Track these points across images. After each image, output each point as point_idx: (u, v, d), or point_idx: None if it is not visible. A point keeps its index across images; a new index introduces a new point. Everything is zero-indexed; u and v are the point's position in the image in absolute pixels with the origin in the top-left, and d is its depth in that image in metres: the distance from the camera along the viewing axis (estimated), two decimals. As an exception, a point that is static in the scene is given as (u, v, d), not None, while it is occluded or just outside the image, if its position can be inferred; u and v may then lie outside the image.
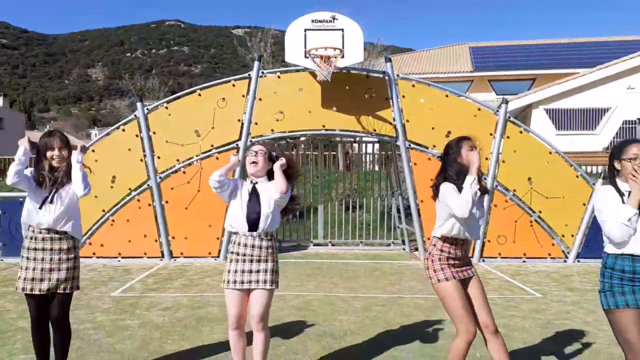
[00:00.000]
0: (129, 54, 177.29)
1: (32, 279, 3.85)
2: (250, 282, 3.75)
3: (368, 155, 13.96)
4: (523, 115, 23.81)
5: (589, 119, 22.56)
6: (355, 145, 14.69)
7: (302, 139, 11.74)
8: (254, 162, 3.88)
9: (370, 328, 5.62)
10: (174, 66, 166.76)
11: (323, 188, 12.01)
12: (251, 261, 3.76)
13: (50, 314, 3.94)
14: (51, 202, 3.88)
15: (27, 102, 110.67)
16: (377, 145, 12.85)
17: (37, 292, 3.84)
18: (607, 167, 3.25)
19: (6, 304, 6.62)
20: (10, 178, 3.78)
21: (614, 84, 22.29)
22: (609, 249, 3.15)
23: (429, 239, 9.46)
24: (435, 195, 3.67)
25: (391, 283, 7.96)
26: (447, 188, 3.56)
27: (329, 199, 12.84)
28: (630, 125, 22.25)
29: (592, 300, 6.82)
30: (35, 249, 3.89)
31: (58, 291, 3.88)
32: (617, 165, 3.15)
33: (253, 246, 3.75)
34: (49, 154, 3.92)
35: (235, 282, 3.76)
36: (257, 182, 3.90)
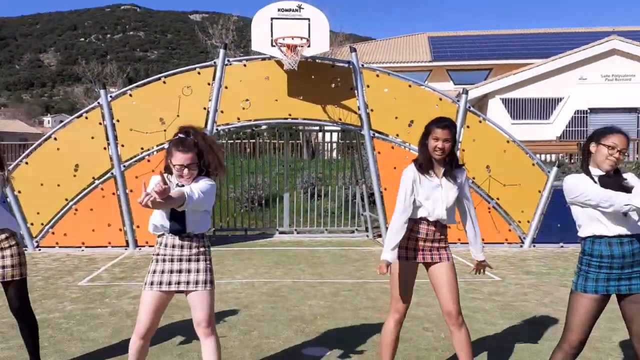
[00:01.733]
0: (82, 39, 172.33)
1: None
2: (179, 283, 3.33)
3: (331, 144, 14.14)
4: (480, 104, 24.38)
5: (543, 108, 23.29)
6: (318, 134, 14.83)
7: (264, 127, 11.82)
8: (180, 177, 3.29)
9: (339, 312, 5.80)
10: (130, 52, 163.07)
11: (288, 177, 12.11)
12: (180, 260, 3.34)
13: (10, 307, 3.94)
14: None
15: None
16: (336, 134, 13.01)
17: None
18: (582, 150, 3.25)
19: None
20: None
21: (567, 74, 23.04)
22: (583, 232, 3.22)
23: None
24: None
25: (357, 268, 8.17)
26: None
27: (294, 188, 12.97)
28: (582, 115, 23.07)
29: (548, 283, 7.18)
30: None
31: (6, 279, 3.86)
32: (592, 148, 3.16)
33: (182, 247, 3.34)
34: None
35: (160, 283, 3.33)
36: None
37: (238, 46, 21.57)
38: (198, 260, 3.36)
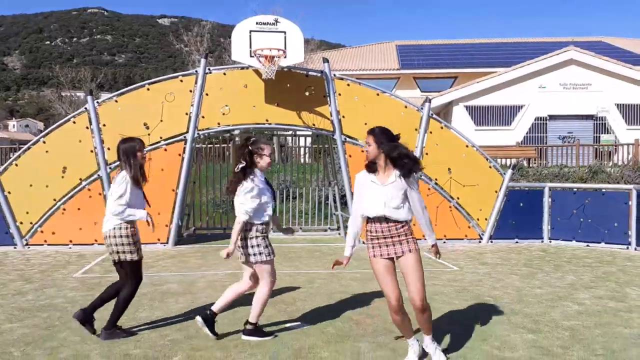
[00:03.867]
0: (48, 42, 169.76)
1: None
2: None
3: (303, 148, 14.88)
4: (445, 111, 25.45)
5: (505, 115, 24.45)
6: (291, 138, 15.54)
7: (237, 132, 12.46)
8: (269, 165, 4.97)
9: (316, 296, 6.54)
10: (97, 55, 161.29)
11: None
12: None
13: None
14: None
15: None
16: (309, 139, 13.74)
17: None
18: None
19: None
20: None
21: (528, 83, 24.26)
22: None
23: (362, 223, 10.51)
24: None
25: (330, 261, 8.91)
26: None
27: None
28: (542, 122, 24.32)
29: (500, 272, 8.03)
30: None
31: None
32: None
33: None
34: None
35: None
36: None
37: (212, 54, 22.13)
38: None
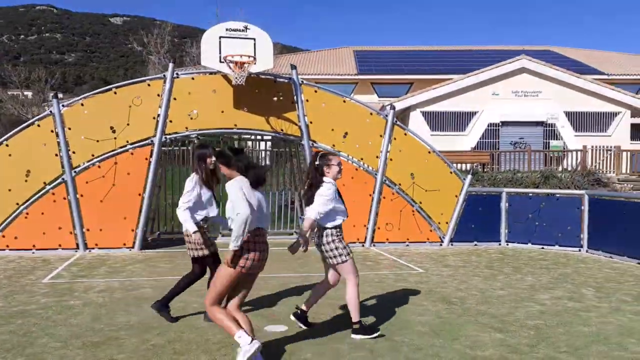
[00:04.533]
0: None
1: None
2: None
3: (264, 152, 14.89)
4: (402, 116, 25.94)
5: (459, 121, 25.12)
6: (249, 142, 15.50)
7: (193, 136, 12.45)
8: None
9: (291, 300, 6.71)
10: (46, 54, 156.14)
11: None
12: None
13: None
14: None
15: None
16: (269, 143, 13.78)
17: None
18: None
19: None
20: None
21: (481, 90, 25.01)
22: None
23: (328, 227, 10.72)
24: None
25: (300, 265, 9.09)
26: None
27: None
28: (494, 128, 25.11)
29: (463, 274, 8.37)
30: None
31: None
32: None
33: None
34: None
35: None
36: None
37: (171, 57, 21.97)
38: None
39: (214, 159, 5.47)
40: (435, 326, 5.59)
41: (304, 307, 5.52)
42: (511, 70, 24.89)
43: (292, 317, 5.52)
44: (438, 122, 25.01)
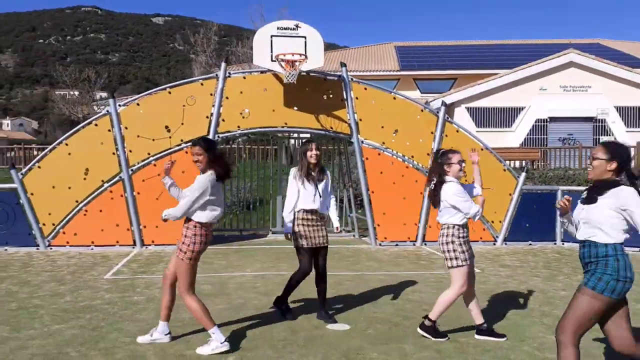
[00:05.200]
0: (41, 40, 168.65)
1: None
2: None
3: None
4: (447, 112, 25.63)
5: (506, 117, 24.66)
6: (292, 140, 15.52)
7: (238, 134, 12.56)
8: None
9: (347, 298, 6.71)
10: (91, 54, 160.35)
11: (281, 180, 12.97)
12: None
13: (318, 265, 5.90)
14: None
15: None
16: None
17: None
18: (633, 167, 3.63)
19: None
20: None
21: (528, 85, 24.47)
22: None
23: (378, 225, 10.68)
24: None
25: (352, 263, 9.08)
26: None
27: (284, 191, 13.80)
28: (542, 124, 24.56)
29: (521, 274, 8.22)
30: None
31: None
32: None
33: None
34: None
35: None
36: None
37: (219, 56, 22.23)
38: None
39: (316, 152, 5.66)
40: (500, 327, 5.49)
41: (477, 322, 5.17)
42: (559, 64, 24.26)
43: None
44: (483, 118, 24.60)
